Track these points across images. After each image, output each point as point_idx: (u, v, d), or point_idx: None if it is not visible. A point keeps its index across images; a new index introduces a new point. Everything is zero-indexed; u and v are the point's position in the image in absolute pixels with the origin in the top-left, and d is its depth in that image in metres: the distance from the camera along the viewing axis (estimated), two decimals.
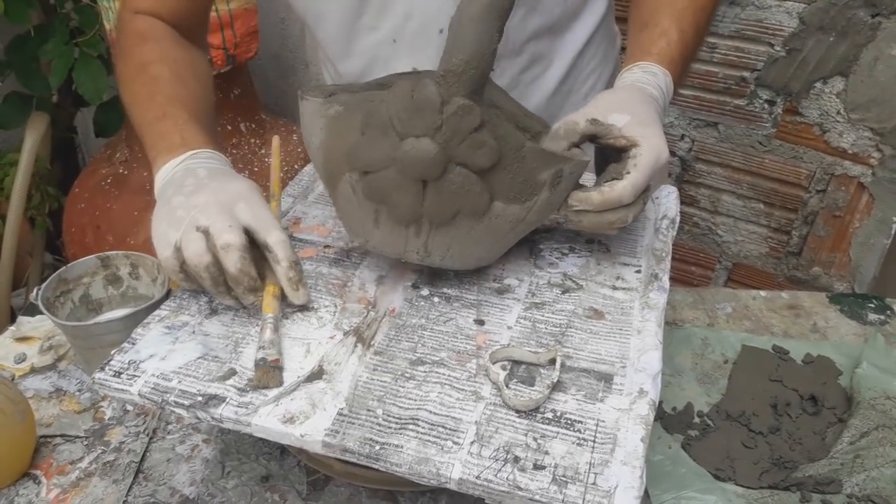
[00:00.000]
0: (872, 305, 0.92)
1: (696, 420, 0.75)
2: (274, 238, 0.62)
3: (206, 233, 0.61)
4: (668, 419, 0.75)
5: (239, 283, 0.61)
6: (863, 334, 0.87)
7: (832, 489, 0.67)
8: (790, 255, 1.50)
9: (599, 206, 0.62)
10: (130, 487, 0.66)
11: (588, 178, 0.75)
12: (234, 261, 0.60)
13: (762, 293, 0.95)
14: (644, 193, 0.64)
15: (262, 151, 1.56)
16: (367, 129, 0.57)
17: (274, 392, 0.53)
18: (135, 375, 0.55)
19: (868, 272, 1.42)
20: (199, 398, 0.53)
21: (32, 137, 1.56)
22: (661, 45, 0.76)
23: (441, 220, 0.59)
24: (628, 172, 0.62)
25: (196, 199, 0.64)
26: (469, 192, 0.57)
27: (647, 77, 0.73)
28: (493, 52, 0.54)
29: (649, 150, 0.64)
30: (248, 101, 1.59)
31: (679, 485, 0.66)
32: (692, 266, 1.63)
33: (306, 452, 0.60)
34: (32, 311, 0.86)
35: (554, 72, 0.89)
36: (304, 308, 0.63)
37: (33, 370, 0.80)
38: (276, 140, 0.80)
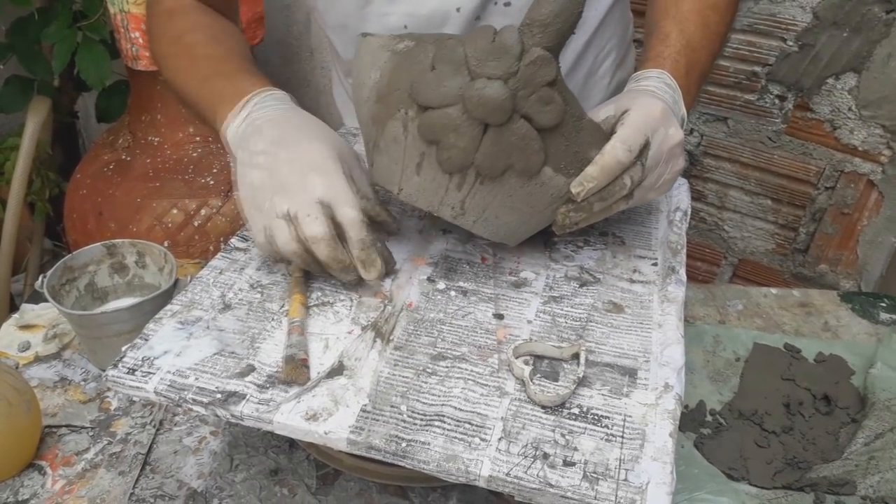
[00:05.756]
0: (884, 304, 0.91)
1: (709, 419, 0.74)
2: (344, 217, 0.61)
3: (290, 219, 0.61)
4: (680, 417, 0.74)
5: (331, 268, 0.61)
6: (874, 334, 0.86)
7: (846, 490, 0.66)
8: (797, 251, 1.49)
9: (601, 178, 0.60)
10: (137, 480, 0.65)
11: None
12: (322, 251, 0.60)
13: (773, 291, 0.94)
14: (644, 152, 0.62)
15: None
16: (438, 63, 0.56)
17: (295, 388, 0.52)
18: (149, 372, 0.53)
19: (875, 270, 1.41)
20: (218, 395, 0.51)
21: (34, 122, 1.54)
22: (660, 49, 0.74)
23: (489, 173, 0.58)
24: (615, 132, 0.61)
25: (272, 176, 0.63)
26: (527, 147, 0.57)
27: (643, 83, 0.72)
28: (579, 14, 0.55)
29: (637, 109, 0.63)
30: None
31: (692, 486, 0.65)
32: (698, 261, 1.63)
33: (316, 446, 0.59)
34: (36, 298, 0.85)
35: (576, 38, 0.87)
36: (320, 303, 0.62)
37: (37, 359, 0.79)
38: None
